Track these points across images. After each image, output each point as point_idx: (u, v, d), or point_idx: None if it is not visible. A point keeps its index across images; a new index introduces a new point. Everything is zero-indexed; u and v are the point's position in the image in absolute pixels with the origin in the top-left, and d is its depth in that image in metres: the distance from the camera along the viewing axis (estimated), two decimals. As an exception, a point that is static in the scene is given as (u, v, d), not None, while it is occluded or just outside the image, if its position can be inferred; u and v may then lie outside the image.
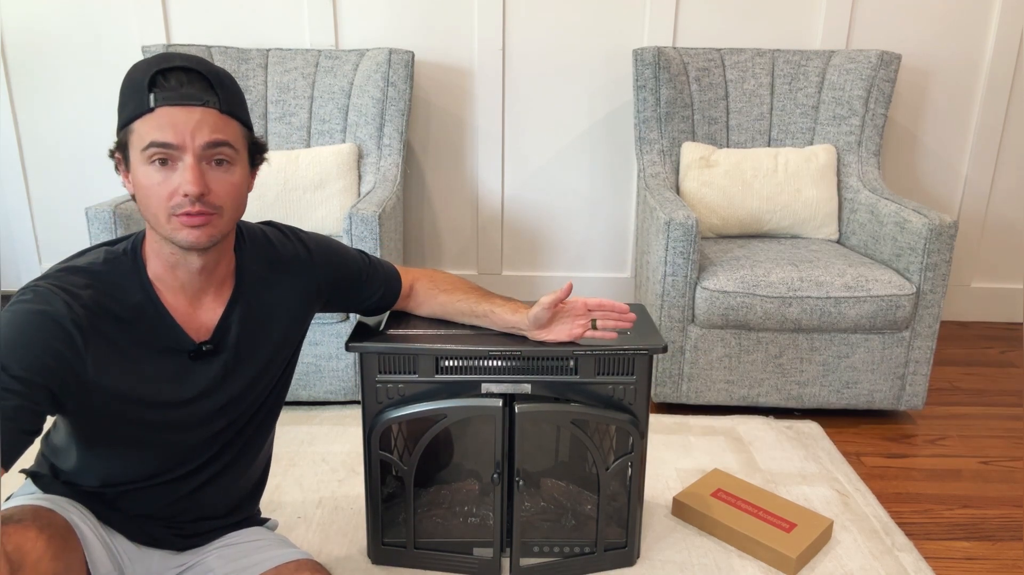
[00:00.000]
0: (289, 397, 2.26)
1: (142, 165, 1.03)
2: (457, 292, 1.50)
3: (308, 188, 2.43)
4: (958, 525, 1.81)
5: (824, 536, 1.68)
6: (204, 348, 1.15)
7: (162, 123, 1.02)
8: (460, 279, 1.55)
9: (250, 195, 2.51)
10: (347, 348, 1.44)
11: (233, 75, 2.63)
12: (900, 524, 1.78)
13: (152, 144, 1.02)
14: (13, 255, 3.10)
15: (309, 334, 2.19)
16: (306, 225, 2.44)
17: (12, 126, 2.91)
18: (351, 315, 2.20)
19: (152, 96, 1.02)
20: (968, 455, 2.13)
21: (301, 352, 2.17)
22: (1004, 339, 2.97)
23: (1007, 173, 3.00)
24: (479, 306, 1.48)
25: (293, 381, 2.22)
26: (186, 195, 1.02)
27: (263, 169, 2.62)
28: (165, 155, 1.02)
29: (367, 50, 2.63)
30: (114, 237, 2.08)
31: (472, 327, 1.51)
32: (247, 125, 1.12)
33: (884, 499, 1.89)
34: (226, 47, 2.61)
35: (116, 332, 1.06)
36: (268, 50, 2.63)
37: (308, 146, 2.60)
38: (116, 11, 2.79)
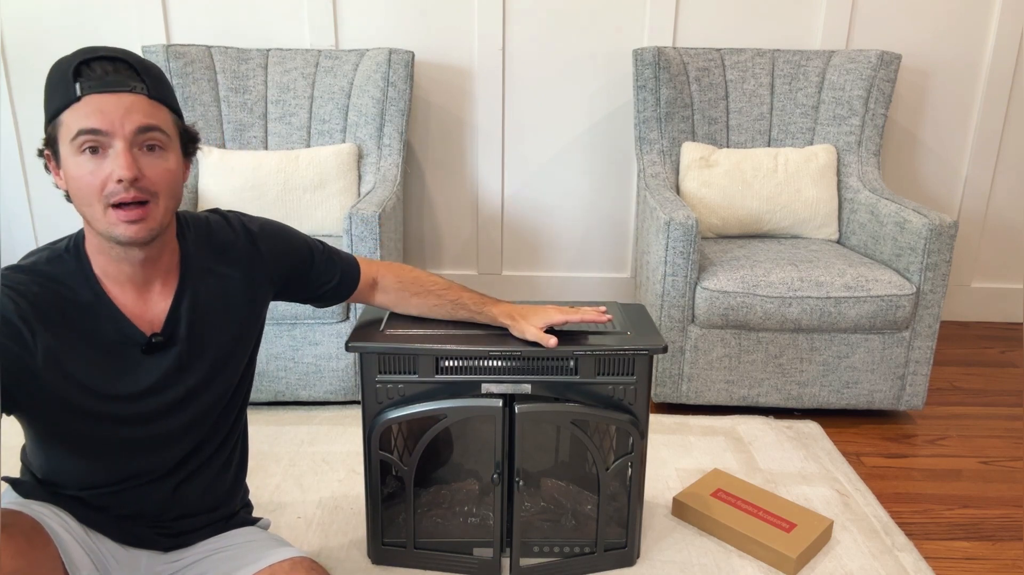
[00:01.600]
0: (289, 397, 2.26)
1: (72, 156, 1.02)
2: (430, 297, 1.48)
3: (308, 188, 2.43)
4: (958, 525, 1.81)
5: (824, 536, 1.68)
6: (155, 340, 1.13)
7: (90, 111, 1.00)
8: (428, 277, 1.51)
9: (250, 195, 2.52)
10: (347, 348, 1.44)
11: (233, 75, 2.66)
12: (900, 524, 1.78)
13: (81, 132, 1.00)
14: (13, 255, 3.10)
15: (309, 334, 2.19)
16: (306, 226, 2.45)
17: (12, 126, 2.91)
18: (351, 315, 2.20)
19: (78, 86, 1.00)
20: (968, 455, 2.13)
21: (302, 352, 2.20)
22: (1004, 339, 2.97)
23: (1007, 173, 3.00)
24: (455, 315, 1.49)
25: (294, 381, 2.23)
26: (119, 181, 1.01)
27: (263, 169, 2.61)
28: (95, 142, 1.01)
29: (367, 50, 2.63)
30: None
31: (472, 327, 1.51)
32: (178, 113, 1.12)
33: (884, 499, 1.89)
34: (226, 47, 2.61)
35: (65, 328, 1.05)
36: (268, 50, 2.63)
37: (308, 146, 2.60)
38: (116, 11, 2.79)
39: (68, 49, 3.00)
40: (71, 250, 1.11)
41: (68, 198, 1.08)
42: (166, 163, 1.07)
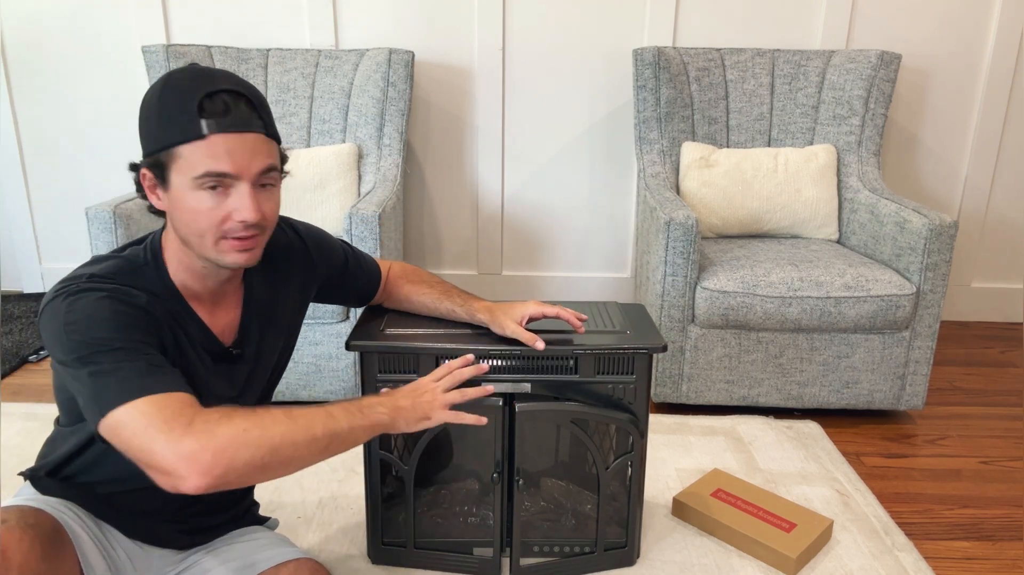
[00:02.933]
0: (289, 397, 2.26)
1: (192, 191, 1.03)
2: (422, 286, 1.52)
3: (308, 188, 2.43)
4: (958, 525, 1.81)
5: (824, 536, 1.68)
6: (234, 352, 1.17)
7: (217, 152, 1.01)
8: (423, 271, 1.57)
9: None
10: (347, 347, 1.44)
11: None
12: (900, 524, 1.78)
13: (208, 174, 1.02)
14: (13, 255, 3.10)
15: (309, 334, 2.19)
16: (306, 225, 2.44)
17: (12, 126, 2.91)
18: (351, 315, 2.20)
19: (203, 123, 1.00)
20: (968, 455, 2.13)
21: (302, 352, 2.20)
22: (1004, 339, 2.97)
23: (1007, 173, 3.00)
24: (441, 304, 1.50)
25: (293, 381, 2.24)
26: (242, 222, 1.04)
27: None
28: (219, 183, 1.02)
29: (367, 50, 2.64)
30: (113, 237, 2.08)
31: (472, 327, 1.51)
32: (280, 141, 1.13)
33: (884, 499, 1.89)
34: (226, 47, 2.61)
35: (163, 332, 1.08)
36: (268, 50, 2.64)
37: (308, 146, 2.61)
38: (116, 11, 2.79)
39: (69, 49, 3.00)
40: (150, 262, 1.11)
41: (152, 210, 1.09)
42: (276, 196, 1.11)
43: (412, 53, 2.59)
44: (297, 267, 1.30)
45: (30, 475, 1.20)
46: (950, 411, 2.38)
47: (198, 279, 1.12)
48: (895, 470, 2.04)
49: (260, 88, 2.59)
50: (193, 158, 1.01)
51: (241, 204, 1.03)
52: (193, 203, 1.03)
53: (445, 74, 2.87)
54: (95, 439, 1.12)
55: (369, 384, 1.47)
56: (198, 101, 1.00)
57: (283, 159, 1.14)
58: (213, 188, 1.02)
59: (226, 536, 1.30)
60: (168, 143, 1.02)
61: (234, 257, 1.07)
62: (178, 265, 1.12)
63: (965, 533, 1.78)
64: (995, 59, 2.85)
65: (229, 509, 1.31)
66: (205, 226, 1.04)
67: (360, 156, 2.57)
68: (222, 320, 1.17)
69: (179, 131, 1.01)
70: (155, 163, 1.04)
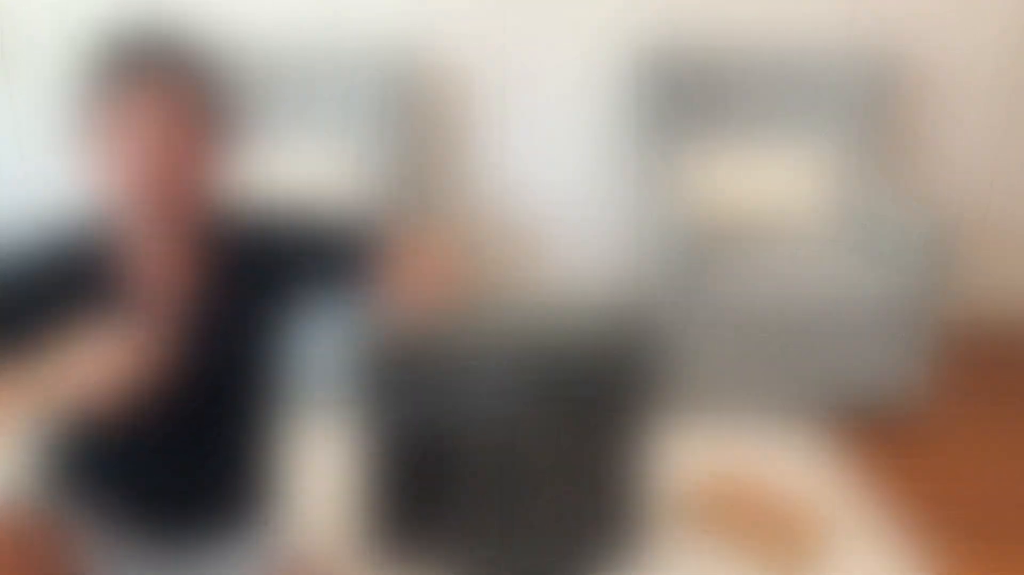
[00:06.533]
0: (289, 397, 2.26)
1: None
2: None
3: (308, 188, 2.44)
4: (959, 525, 1.81)
5: (824, 537, 1.68)
6: None
7: None
8: None
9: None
10: (347, 348, 1.44)
11: (233, 75, 2.62)
12: (901, 524, 1.78)
13: None
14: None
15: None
16: (306, 225, 2.45)
17: (12, 126, 2.91)
18: (351, 315, 2.20)
19: None
20: (968, 455, 2.13)
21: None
22: (1004, 339, 2.98)
23: (1007, 173, 3.00)
24: None
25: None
26: None
27: (263, 169, 2.56)
28: None
29: (367, 50, 2.64)
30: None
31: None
32: None
33: (885, 499, 1.89)
34: (226, 47, 2.61)
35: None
36: (268, 50, 2.64)
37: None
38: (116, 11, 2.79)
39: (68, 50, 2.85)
40: None
41: None
42: None
43: (413, 53, 2.59)
44: None
45: (26, 463, 1.20)
46: (950, 411, 2.39)
47: None
48: (895, 470, 2.05)
49: (260, 88, 2.59)
50: None
51: None
52: None
53: (446, 74, 2.88)
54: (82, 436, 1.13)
55: (369, 384, 1.47)
56: None
57: None
58: None
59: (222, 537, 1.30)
60: None
61: None
62: None
63: (966, 533, 1.78)
64: (995, 59, 2.85)
65: (222, 512, 1.30)
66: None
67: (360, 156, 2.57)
68: None
69: None
70: None
